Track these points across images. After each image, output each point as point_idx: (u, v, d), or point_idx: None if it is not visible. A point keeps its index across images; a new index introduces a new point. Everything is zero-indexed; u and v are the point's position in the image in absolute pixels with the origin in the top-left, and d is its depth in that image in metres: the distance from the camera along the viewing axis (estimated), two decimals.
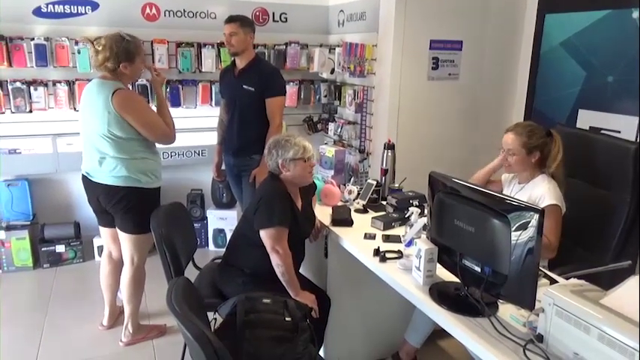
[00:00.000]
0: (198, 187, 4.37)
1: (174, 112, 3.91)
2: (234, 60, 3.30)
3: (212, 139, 3.85)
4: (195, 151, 4.25)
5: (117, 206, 2.67)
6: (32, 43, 3.64)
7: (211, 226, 4.34)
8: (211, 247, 4.36)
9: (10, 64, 3.63)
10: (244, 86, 3.19)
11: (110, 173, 2.61)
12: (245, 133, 3.25)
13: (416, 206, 2.44)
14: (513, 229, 1.54)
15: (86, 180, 2.71)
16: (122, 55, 2.54)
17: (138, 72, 2.68)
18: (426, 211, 2.33)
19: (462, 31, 3.78)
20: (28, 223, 3.87)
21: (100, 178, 2.64)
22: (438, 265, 1.92)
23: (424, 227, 2.11)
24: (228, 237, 4.15)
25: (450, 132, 3.90)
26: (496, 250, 1.61)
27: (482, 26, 3.81)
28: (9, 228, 3.80)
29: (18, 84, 3.68)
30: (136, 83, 3.83)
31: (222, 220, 4.31)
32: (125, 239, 2.76)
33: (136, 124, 2.55)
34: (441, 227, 1.89)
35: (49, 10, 3.72)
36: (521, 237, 1.52)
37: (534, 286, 1.52)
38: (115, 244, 2.89)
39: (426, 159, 3.52)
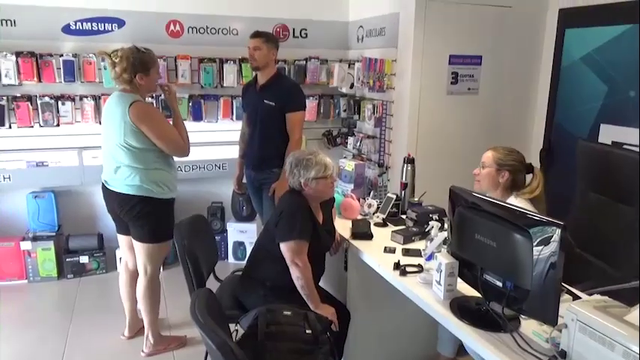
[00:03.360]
0: (218, 200, 4.42)
1: (195, 126, 4.09)
2: (256, 75, 3.35)
3: (232, 152, 3.90)
4: (216, 165, 4.31)
5: (129, 214, 2.73)
6: (61, 59, 3.76)
7: (231, 239, 4.37)
8: (231, 259, 4.39)
9: (40, 80, 3.74)
10: (265, 101, 3.24)
11: (124, 181, 2.68)
12: (266, 147, 3.29)
13: (436, 220, 2.44)
14: (535, 243, 1.53)
15: (104, 187, 2.80)
16: (138, 66, 2.62)
17: (153, 84, 2.75)
18: (446, 225, 2.33)
19: (481, 46, 3.79)
20: (54, 234, 3.95)
21: (115, 186, 2.72)
22: (459, 280, 1.92)
23: (444, 241, 2.11)
24: (248, 250, 4.24)
25: (470, 146, 3.86)
26: (518, 265, 1.61)
27: (501, 41, 3.82)
28: (35, 239, 3.88)
29: (47, 99, 3.78)
30: (160, 98, 3.90)
31: (242, 233, 4.35)
32: (138, 248, 2.81)
33: (151, 135, 2.61)
34: (462, 241, 1.89)
35: (77, 28, 3.84)
36: (543, 252, 1.52)
37: (557, 301, 1.52)
38: (130, 252, 2.94)
39: (446, 173, 3.50)
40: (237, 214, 4.37)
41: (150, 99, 3.89)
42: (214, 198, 4.43)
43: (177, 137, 2.72)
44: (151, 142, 2.63)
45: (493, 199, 1.84)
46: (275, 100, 3.21)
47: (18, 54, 3.64)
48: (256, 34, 3.25)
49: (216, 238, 4.05)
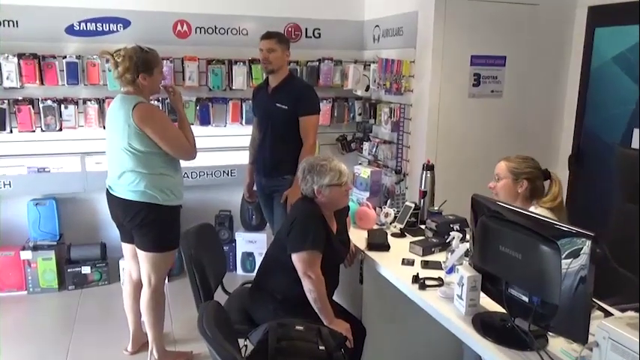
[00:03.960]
0: (226, 209, 4.44)
1: (203, 130, 4.12)
2: (267, 77, 3.38)
3: (242, 158, 3.94)
4: (224, 171, 4.34)
5: (133, 221, 2.76)
6: (64, 61, 3.82)
7: (240, 250, 4.39)
8: (239, 271, 4.41)
9: (42, 83, 3.81)
10: (277, 104, 3.26)
11: (128, 187, 2.71)
12: (277, 152, 3.32)
13: (457, 231, 2.43)
14: (564, 256, 1.53)
15: (108, 193, 2.84)
16: (141, 65, 2.67)
17: (157, 85, 2.80)
18: (468, 236, 2.33)
19: (506, 45, 3.78)
20: (55, 243, 4.00)
21: (119, 192, 2.75)
22: (482, 294, 1.92)
23: (466, 253, 2.10)
24: (258, 261, 4.25)
25: (493, 152, 3.82)
26: (545, 279, 1.60)
27: (527, 40, 3.81)
28: (36, 248, 3.94)
29: (49, 102, 3.85)
30: (166, 101, 3.95)
31: (252, 244, 4.37)
32: (142, 257, 2.84)
33: (155, 137, 2.65)
34: (485, 253, 1.89)
35: (81, 29, 3.90)
36: (572, 265, 1.51)
37: (587, 318, 1.50)
38: (134, 261, 2.98)
39: (468, 181, 3.49)
40: (246, 224, 4.40)
41: (155, 102, 3.94)
42: (222, 206, 4.46)
43: (182, 139, 2.76)
44: (155, 145, 2.67)
45: (518, 207, 1.84)
46: (288, 104, 3.24)
47: (20, 56, 3.72)
48: (268, 35, 3.28)
49: (224, 248, 4.09)
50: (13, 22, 3.76)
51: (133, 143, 2.64)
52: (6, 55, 3.70)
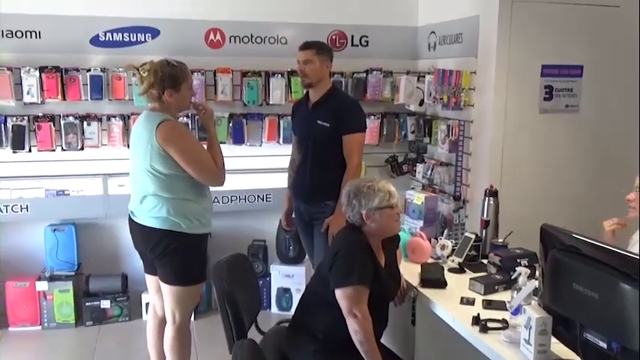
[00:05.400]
0: (261, 238, 4.52)
1: (236, 150, 4.25)
2: (308, 91, 3.47)
3: (279, 181, 4.02)
4: (258, 196, 4.44)
5: (154, 251, 2.85)
6: (88, 74, 4.04)
7: (275, 285, 4.46)
8: (274, 309, 4.47)
9: (64, 98, 4.03)
10: (318, 121, 3.34)
11: (149, 213, 2.82)
12: (319, 175, 3.38)
13: (525, 266, 2.43)
14: None
15: (130, 219, 2.96)
16: (167, 80, 2.79)
17: (185, 101, 2.91)
18: (537, 273, 2.32)
19: (583, 53, 3.78)
20: (73, 273, 4.18)
21: (141, 218, 2.87)
22: (553, 339, 1.91)
23: (535, 292, 2.11)
24: (295, 298, 4.31)
25: (569, 176, 3.85)
26: (626, 322, 1.60)
27: (608, 48, 3.79)
28: (52, 278, 4.12)
29: (70, 119, 4.07)
30: (196, 117, 4.09)
31: (288, 278, 4.43)
32: (166, 291, 2.92)
33: (179, 159, 2.75)
34: (557, 292, 1.90)
35: (107, 39, 4.13)
36: None
37: None
38: (158, 295, 3.07)
39: (537, 209, 3.50)
40: (282, 255, 4.46)
41: (185, 118, 4.10)
42: (256, 235, 4.54)
43: (209, 162, 2.85)
44: (180, 168, 2.77)
45: (596, 240, 1.84)
46: (330, 121, 3.31)
47: (42, 69, 3.95)
48: (306, 46, 3.37)
49: (258, 282, 4.16)
50: (35, 32, 4.02)
51: (155, 165, 2.75)
52: (27, 68, 3.93)
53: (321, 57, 3.33)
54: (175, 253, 2.83)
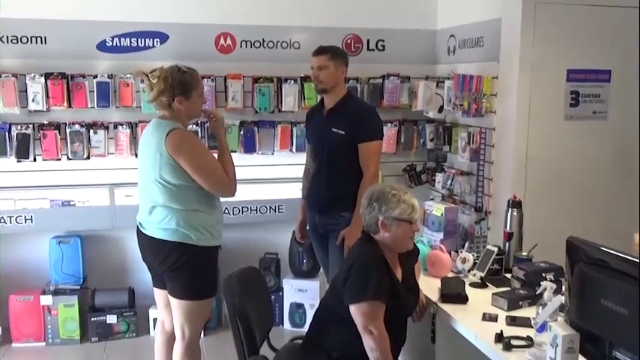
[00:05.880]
0: (273, 251, 4.53)
1: (247, 159, 4.28)
2: (323, 98, 3.50)
3: (292, 191, 4.05)
4: (270, 207, 4.46)
5: (164, 264, 2.87)
6: (94, 80, 4.10)
7: (288, 300, 4.46)
8: (287, 325, 4.48)
9: (70, 105, 4.09)
10: (333, 129, 3.36)
11: (158, 224, 2.84)
12: (334, 185, 3.40)
13: (550, 280, 2.42)
14: None
15: (138, 231, 2.99)
16: (177, 87, 2.82)
17: (195, 109, 2.94)
18: (563, 288, 2.31)
19: (611, 57, 3.77)
20: (78, 287, 4.21)
21: (149, 230, 2.90)
22: (581, 357, 1.90)
23: (561, 308, 2.10)
24: (309, 314, 4.31)
25: (595, 186, 3.83)
26: None
27: (636, 51, 3.77)
28: (57, 292, 4.15)
29: (77, 127, 4.11)
30: (205, 125, 4.12)
31: (302, 293, 4.43)
32: (175, 306, 2.94)
33: (189, 169, 2.77)
34: (584, 308, 1.89)
35: (114, 44, 4.19)
36: None
37: None
38: (167, 310, 3.08)
39: (563, 221, 3.48)
40: (295, 269, 4.47)
41: (194, 126, 4.14)
42: (268, 248, 4.55)
43: (220, 172, 2.88)
44: (189, 178, 2.79)
45: (625, 253, 1.83)
46: (345, 128, 3.33)
47: (47, 75, 4.01)
48: (320, 51, 3.39)
49: (271, 296, 4.16)
50: (41, 38, 4.09)
51: (164, 175, 2.78)
52: (32, 74, 3.99)
53: (335, 62, 3.35)
54: (185, 266, 2.85)
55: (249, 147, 4.38)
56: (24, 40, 4.07)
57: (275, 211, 4.47)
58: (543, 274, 2.62)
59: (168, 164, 2.76)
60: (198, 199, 2.85)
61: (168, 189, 2.80)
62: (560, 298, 2.13)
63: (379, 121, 3.48)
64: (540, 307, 2.20)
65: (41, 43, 4.10)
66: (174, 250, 2.83)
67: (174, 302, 2.94)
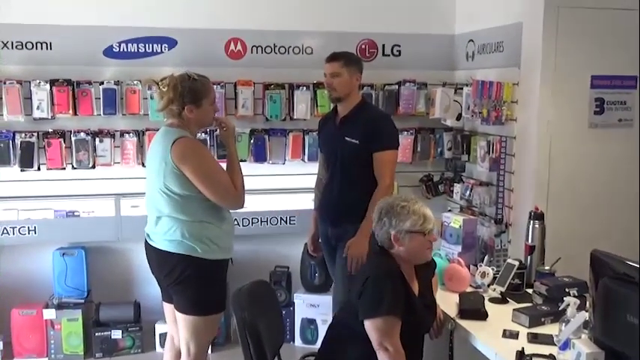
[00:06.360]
0: (284, 264, 4.54)
1: (257, 168, 4.30)
2: (336, 106, 3.52)
3: (304, 202, 4.06)
4: (282, 218, 4.47)
5: (169, 277, 2.90)
6: (101, 87, 4.15)
7: (299, 315, 4.47)
8: (298, 341, 4.47)
9: (75, 112, 4.14)
10: (347, 138, 3.37)
11: (164, 236, 2.87)
12: (347, 196, 3.40)
13: (574, 296, 2.42)
14: None
15: (146, 243, 3.02)
16: (187, 95, 2.85)
17: (206, 118, 2.97)
18: (587, 303, 2.31)
19: (637, 63, 3.76)
20: (82, 301, 4.25)
21: (155, 241, 2.93)
22: None
23: (585, 324, 2.10)
24: (321, 330, 4.31)
25: (621, 198, 3.82)
26: None
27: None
28: (60, 306, 4.18)
29: (82, 135, 4.16)
30: (215, 133, 4.15)
31: (314, 308, 4.43)
32: (181, 321, 2.96)
33: (194, 179, 2.79)
34: (609, 325, 1.89)
35: (121, 50, 4.25)
36: None
37: None
38: (175, 325, 3.09)
39: (588, 233, 3.47)
40: (307, 283, 4.47)
41: (203, 134, 4.17)
42: (279, 261, 4.56)
43: (226, 183, 2.89)
44: (195, 188, 2.81)
45: None
46: (359, 137, 3.34)
47: (52, 82, 4.06)
48: (333, 57, 3.41)
49: (282, 312, 4.17)
50: (46, 43, 4.15)
51: (169, 184, 2.81)
52: (37, 81, 4.05)
53: (349, 69, 3.36)
54: (190, 279, 2.86)
55: (260, 156, 4.40)
56: (29, 45, 4.13)
57: (286, 223, 4.48)
58: (566, 290, 2.63)
59: (173, 173, 2.78)
60: (205, 210, 2.87)
61: (173, 199, 2.83)
62: (584, 315, 2.13)
63: (395, 129, 3.49)
64: (563, 324, 2.21)
65: (46, 48, 4.16)
66: (180, 262, 2.85)
67: (180, 317, 2.95)
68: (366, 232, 3.15)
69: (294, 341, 4.49)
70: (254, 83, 4.35)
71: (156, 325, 4.21)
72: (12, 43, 4.10)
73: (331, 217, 3.52)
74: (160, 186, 2.83)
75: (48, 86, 4.06)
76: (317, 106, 4.42)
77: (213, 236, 2.89)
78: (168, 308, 3.13)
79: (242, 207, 3.01)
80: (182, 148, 2.79)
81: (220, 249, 2.93)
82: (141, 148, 4.23)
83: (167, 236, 2.87)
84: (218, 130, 3.20)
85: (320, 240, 3.72)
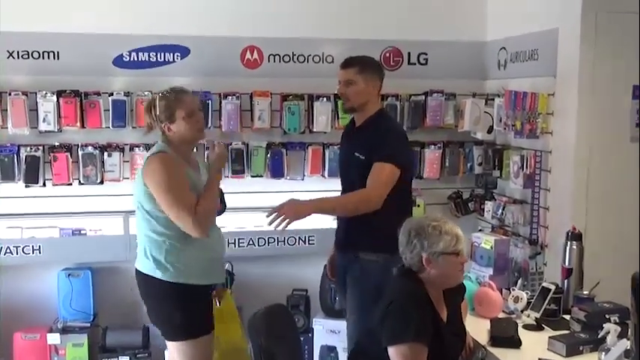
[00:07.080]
0: (302, 287, 4.52)
1: (274, 184, 4.31)
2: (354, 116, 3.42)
3: (324, 221, 4.03)
4: (300, 238, 4.46)
5: (145, 300, 3.05)
6: (110, 99, 4.20)
7: (318, 342, 4.43)
8: None
9: (83, 125, 4.19)
10: (355, 153, 3.24)
11: (140, 254, 3.01)
12: (352, 219, 3.23)
13: (615, 323, 2.41)
14: None
15: None
16: (161, 114, 2.96)
17: (187, 131, 2.98)
18: (629, 331, 2.30)
19: None
20: (88, 325, 4.28)
21: (136, 260, 3.06)
22: None
23: (626, 353, 2.09)
24: (342, 358, 4.29)
25: None
26: None
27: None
28: (65, 330, 4.22)
29: (90, 149, 4.21)
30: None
31: (334, 334, 4.39)
32: (169, 347, 3.08)
33: (155, 194, 2.88)
34: None
35: (131, 59, 4.31)
36: None
37: None
38: None
39: (629, 255, 3.44)
40: (327, 308, 4.45)
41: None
42: (297, 284, 4.55)
43: (186, 203, 2.85)
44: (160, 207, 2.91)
45: None
46: (365, 152, 3.18)
47: (59, 93, 4.12)
48: (347, 63, 3.30)
49: (300, 338, 4.16)
50: (53, 53, 4.22)
51: (141, 201, 2.95)
52: (44, 92, 4.09)
53: (365, 76, 3.23)
54: (163, 304, 2.98)
55: (277, 171, 4.39)
56: (35, 55, 4.19)
57: (305, 243, 4.48)
58: (606, 316, 2.61)
59: (143, 190, 2.91)
60: (172, 230, 2.92)
61: (143, 215, 2.96)
62: (626, 343, 2.12)
63: (403, 146, 3.32)
64: (603, 353, 2.20)
65: (53, 58, 4.22)
66: (142, 281, 3.01)
67: (167, 344, 3.10)
68: (318, 205, 3.16)
69: None
70: (271, 94, 4.36)
71: (165, 352, 4.21)
72: (17, 52, 4.16)
73: (340, 242, 3.43)
74: (136, 203, 2.98)
75: (54, 97, 4.10)
76: (338, 118, 4.41)
77: (175, 258, 2.94)
78: None
79: (197, 234, 2.91)
80: (152, 164, 2.91)
81: (194, 274, 2.96)
82: None
83: (140, 255, 3.01)
84: (209, 149, 3.27)
85: None
